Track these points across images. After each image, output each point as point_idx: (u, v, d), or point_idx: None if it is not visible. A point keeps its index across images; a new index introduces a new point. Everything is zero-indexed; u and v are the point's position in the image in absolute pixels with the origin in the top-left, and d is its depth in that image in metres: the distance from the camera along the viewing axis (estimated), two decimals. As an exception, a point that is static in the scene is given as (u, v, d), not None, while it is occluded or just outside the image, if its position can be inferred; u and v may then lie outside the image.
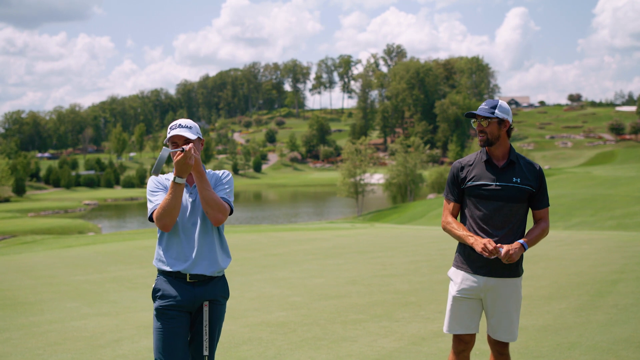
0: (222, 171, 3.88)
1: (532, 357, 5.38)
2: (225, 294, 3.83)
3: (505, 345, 4.05)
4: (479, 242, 3.82)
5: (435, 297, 8.10)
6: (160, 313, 3.66)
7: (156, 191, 3.74)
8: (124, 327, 6.80)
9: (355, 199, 59.41)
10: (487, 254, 3.79)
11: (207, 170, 3.84)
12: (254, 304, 8.03)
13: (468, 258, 3.99)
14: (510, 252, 3.76)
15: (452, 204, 4.12)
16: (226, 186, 3.78)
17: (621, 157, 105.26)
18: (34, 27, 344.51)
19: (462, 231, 3.96)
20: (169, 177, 3.80)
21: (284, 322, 6.90)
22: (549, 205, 4.06)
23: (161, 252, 3.75)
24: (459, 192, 4.08)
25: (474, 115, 4.00)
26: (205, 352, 3.71)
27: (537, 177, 3.98)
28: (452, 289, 4.05)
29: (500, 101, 3.99)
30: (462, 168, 4.07)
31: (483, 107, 3.98)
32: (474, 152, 4.13)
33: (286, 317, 7.13)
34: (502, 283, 3.94)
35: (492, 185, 3.93)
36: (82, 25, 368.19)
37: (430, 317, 6.97)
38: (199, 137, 3.72)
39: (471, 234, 3.92)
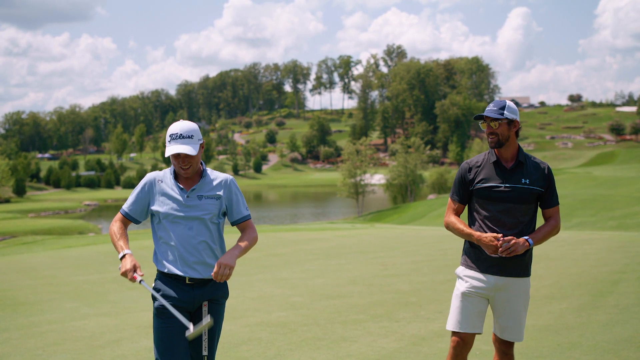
0: (223, 177, 3.79)
1: (533, 357, 5.37)
2: (225, 294, 3.82)
3: (511, 345, 4.03)
4: (486, 240, 3.81)
5: (436, 297, 8.08)
6: (160, 313, 3.66)
7: (139, 196, 3.77)
8: (124, 328, 6.79)
9: (355, 199, 59.40)
10: (495, 250, 3.80)
11: (206, 170, 3.79)
12: (255, 304, 8.02)
13: (478, 258, 3.97)
14: (512, 242, 3.76)
15: (457, 205, 4.11)
16: (239, 197, 3.78)
17: (622, 157, 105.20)
18: (36, 28, 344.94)
19: (466, 229, 3.96)
20: (163, 179, 3.77)
21: (284, 322, 6.88)
22: (558, 203, 4.05)
23: (159, 254, 3.76)
24: (466, 193, 4.06)
25: (482, 117, 3.98)
26: (205, 352, 3.71)
27: (545, 177, 3.96)
28: (461, 286, 4.01)
29: (507, 101, 3.97)
30: (470, 169, 4.04)
31: (491, 109, 3.95)
32: (482, 153, 4.11)
33: (286, 317, 7.12)
34: (512, 282, 3.93)
35: (501, 186, 3.91)
36: (84, 26, 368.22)
37: (431, 317, 6.95)
38: (200, 144, 3.68)
39: (474, 232, 3.92)
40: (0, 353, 5.88)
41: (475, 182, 3.99)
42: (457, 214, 4.11)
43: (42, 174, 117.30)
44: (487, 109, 3.98)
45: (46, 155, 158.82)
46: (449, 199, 4.16)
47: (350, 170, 59.11)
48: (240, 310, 7.50)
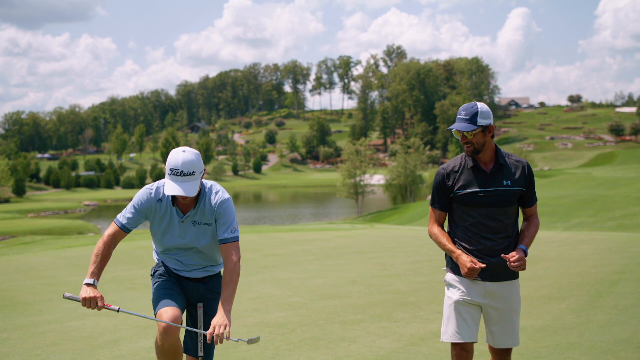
0: (218, 201, 3.72)
1: (531, 357, 5.36)
2: (220, 289, 3.86)
3: (509, 353, 3.90)
4: (463, 264, 3.69)
5: (435, 298, 8.08)
6: (158, 275, 3.85)
7: (137, 214, 3.72)
8: (122, 327, 6.79)
9: (355, 199, 59.40)
10: (470, 273, 3.69)
11: (205, 192, 3.70)
12: (254, 304, 8.02)
13: None
14: (515, 263, 3.66)
15: (438, 213, 3.95)
16: (226, 219, 3.72)
17: (621, 158, 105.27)
18: (36, 28, 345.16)
19: (448, 244, 3.83)
20: (162, 198, 3.71)
21: (283, 322, 6.88)
22: (537, 199, 3.96)
23: (158, 254, 3.84)
24: (446, 200, 3.89)
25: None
26: (200, 353, 3.74)
27: (526, 176, 3.84)
28: (454, 295, 3.86)
29: (478, 106, 3.77)
30: (448, 175, 3.87)
31: (463, 118, 3.76)
32: (458, 156, 3.94)
33: (285, 318, 7.11)
34: (503, 286, 3.83)
35: (483, 192, 3.76)
36: (84, 26, 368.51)
37: (430, 318, 6.95)
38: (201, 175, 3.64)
39: (455, 249, 3.78)
40: (-2, 353, 5.87)
41: (455, 189, 3.82)
42: (440, 222, 3.97)
43: (42, 174, 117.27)
44: (458, 117, 3.79)
45: (46, 155, 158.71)
46: (430, 207, 4.00)
47: (350, 170, 59.11)
48: (238, 311, 7.49)
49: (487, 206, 3.76)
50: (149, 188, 3.73)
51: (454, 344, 3.83)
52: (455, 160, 3.92)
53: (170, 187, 3.51)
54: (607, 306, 7.26)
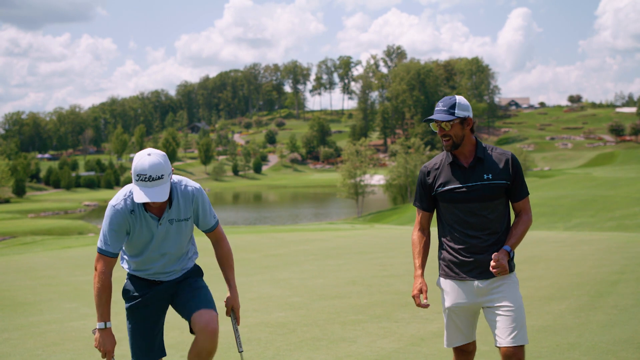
0: (189, 194, 3.59)
1: (531, 357, 5.36)
2: (197, 274, 3.90)
3: (519, 352, 3.64)
4: (413, 287, 3.79)
5: (435, 298, 8.04)
6: (130, 314, 3.75)
7: (117, 235, 3.52)
8: (122, 328, 6.74)
9: (355, 200, 59.40)
10: (417, 302, 3.76)
11: (174, 190, 3.56)
12: (254, 304, 8.03)
13: (455, 263, 3.75)
14: (494, 270, 3.54)
15: (421, 213, 3.89)
16: (206, 207, 3.67)
17: (621, 158, 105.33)
18: (37, 28, 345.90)
19: (416, 258, 3.86)
20: (134, 208, 3.51)
21: (283, 322, 6.89)
22: (528, 193, 3.78)
23: (130, 262, 3.77)
24: (429, 199, 3.82)
25: (433, 119, 3.68)
26: (241, 349, 4.05)
27: (510, 168, 3.67)
28: (446, 302, 3.80)
29: (457, 98, 3.69)
30: (429, 173, 3.79)
31: (441, 109, 3.67)
32: (440, 154, 3.86)
33: (285, 318, 7.12)
34: (495, 283, 3.67)
35: (462, 187, 3.66)
36: (85, 27, 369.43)
37: (430, 318, 6.95)
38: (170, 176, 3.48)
39: (418, 268, 3.83)
40: (-1, 353, 5.88)
41: (436, 186, 3.75)
42: (423, 225, 3.92)
43: (42, 174, 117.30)
44: (436, 109, 3.70)
45: (46, 155, 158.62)
46: (416, 208, 3.93)
47: (350, 170, 59.11)
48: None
49: (468, 202, 3.66)
50: (116, 205, 3.47)
51: (454, 347, 3.87)
52: (437, 158, 3.84)
53: (139, 195, 3.31)
54: (607, 306, 7.26)
